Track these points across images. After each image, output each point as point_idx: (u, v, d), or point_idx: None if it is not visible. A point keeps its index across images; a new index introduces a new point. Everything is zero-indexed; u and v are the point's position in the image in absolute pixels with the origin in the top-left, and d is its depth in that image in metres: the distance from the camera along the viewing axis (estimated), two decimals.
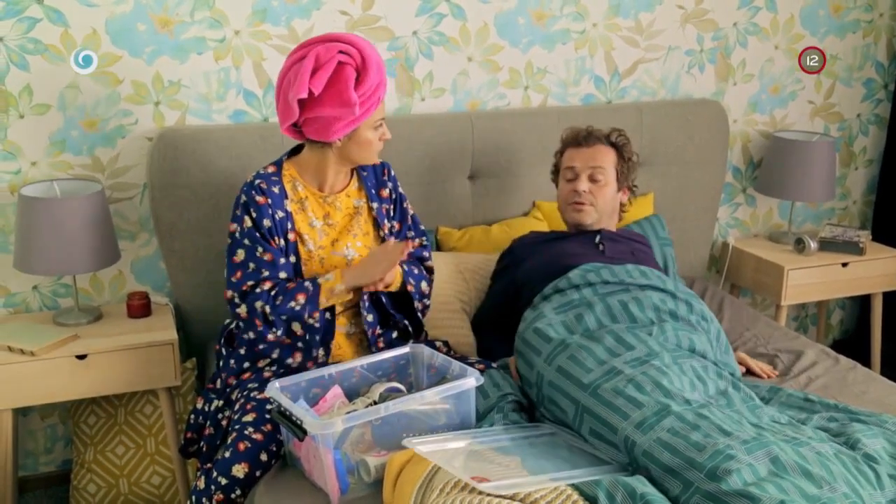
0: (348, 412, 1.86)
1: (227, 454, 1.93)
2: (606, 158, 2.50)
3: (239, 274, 2.12)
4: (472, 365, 2.22)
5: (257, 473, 1.93)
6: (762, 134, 3.41)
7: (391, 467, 1.76)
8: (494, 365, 2.27)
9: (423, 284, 2.29)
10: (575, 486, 1.69)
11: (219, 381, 2.24)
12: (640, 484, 1.67)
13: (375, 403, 1.91)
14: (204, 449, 2.15)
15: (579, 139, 2.54)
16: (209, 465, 2.05)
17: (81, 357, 2.38)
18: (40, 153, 2.55)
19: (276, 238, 2.14)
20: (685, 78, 3.22)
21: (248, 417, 2.00)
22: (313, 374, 2.02)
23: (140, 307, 2.58)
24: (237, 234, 2.14)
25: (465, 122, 2.83)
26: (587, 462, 1.84)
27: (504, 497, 1.63)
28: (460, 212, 2.89)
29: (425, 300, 2.30)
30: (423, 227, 2.43)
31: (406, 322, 2.27)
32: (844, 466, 1.75)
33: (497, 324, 2.49)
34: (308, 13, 2.69)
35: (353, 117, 2.06)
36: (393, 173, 2.37)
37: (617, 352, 2.01)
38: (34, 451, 2.83)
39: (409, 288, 2.23)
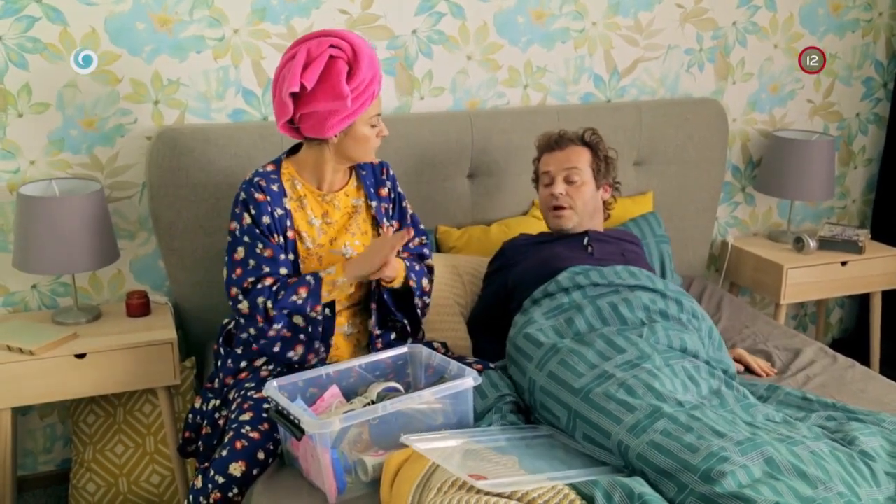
0: (346, 412, 1.86)
1: (225, 453, 1.94)
2: (581, 158, 2.51)
3: (240, 271, 2.12)
4: (470, 365, 2.22)
5: (255, 472, 1.93)
6: (761, 133, 3.41)
7: (389, 467, 1.76)
8: (493, 366, 2.27)
9: (425, 282, 2.30)
10: (572, 486, 1.69)
11: (217, 381, 2.24)
12: (638, 484, 1.67)
13: (373, 403, 1.91)
14: (202, 448, 2.15)
15: (552, 143, 2.55)
16: (207, 464, 2.05)
17: (80, 356, 2.39)
18: (39, 152, 2.56)
19: (275, 235, 2.14)
20: (684, 77, 3.22)
21: (246, 416, 2.00)
22: (311, 373, 2.02)
23: (139, 306, 2.58)
24: (237, 232, 2.15)
25: (464, 121, 2.83)
26: (584, 463, 1.84)
27: (502, 496, 1.63)
28: (459, 211, 2.89)
29: (425, 298, 2.31)
30: (422, 227, 2.43)
31: (405, 321, 2.28)
32: (840, 464, 1.75)
33: (490, 327, 2.50)
34: (307, 12, 2.69)
35: (347, 111, 2.06)
36: (392, 172, 2.37)
37: (608, 355, 2.01)
38: (33, 451, 2.83)
39: (412, 283, 2.23)
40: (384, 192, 2.33)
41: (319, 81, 2.04)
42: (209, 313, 2.66)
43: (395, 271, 2.16)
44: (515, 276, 2.43)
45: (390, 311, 2.26)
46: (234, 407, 2.08)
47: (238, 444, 1.94)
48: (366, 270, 2.12)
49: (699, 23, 3.17)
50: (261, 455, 1.94)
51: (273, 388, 1.91)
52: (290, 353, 2.14)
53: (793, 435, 1.83)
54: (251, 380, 2.14)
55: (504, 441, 1.88)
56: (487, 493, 1.62)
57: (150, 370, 2.45)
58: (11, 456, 2.46)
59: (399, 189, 2.38)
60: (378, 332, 2.25)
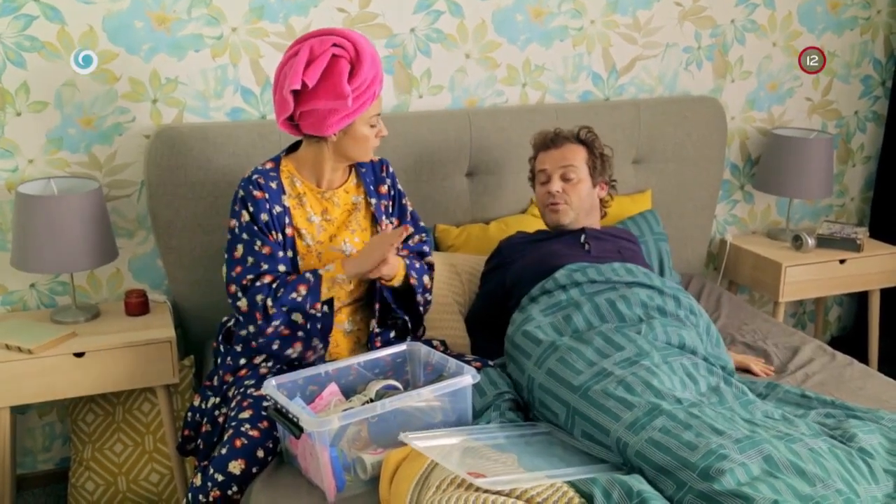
0: (345, 410, 1.86)
1: (224, 451, 1.94)
2: (577, 156, 2.52)
3: (239, 269, 2.12)
4: (468, 363, 2.22)
5: (254, 470, 1.93)
6: (760, 131, 3.41)
7: (388, 465, 1.76)
8: (491, 363, 2.27)
9: (426, 279, 2.30)
10: (571, 484, 1.69)
11: (216, 379, 2.24)
12: (637, 482, 1.67)
13: (372, 401, 1.91)
14: (201, 446, 2.15)
15: (548, 142, 2.57)
16: (206, 462, 2.05)
17: (79, 355, 2.39)
18: (37, 151, 2.55)
19: (273, 232, 2.14)
20: (683, 75, 3.22)
21: (245, 414, 2.00)
22: (310, 371, 2.02)
23: (138, 305, 2.58)
24: (236, 230, 2.15)
25: (462, 120, 2.83)
26: (583, 461, 1.84)
27: (500, 494, 1.63)
28: (458, 209, 2.89)
29: (427, 295, 2.31)
30: (422, 224, 2.43)
31: (406, 318, 2.28)
32: (839, 461, 1.75)
33: (488, 325, 2.50)
34: (305, 10, 2.68)
35: (347, 111, 2.06)
36: (391, 170, 2.37)
37: (606, 353, 2.02)
38: (32, 450, 2.83)
39: (412, 281, 2.23)
40: (384, 189, 2.33)
41: (321, 80, 2.04)
42: (208, 311, 2.66)
43: (394, 269, 2.16)
44: (513, 274, 2.43)
45: (391, 309, 2.26)
46: (233, 405, 2.08)
47: (237, 442, 1.94)
48: (364, 267, 2.12)
49: (698, 21, 3.17)
50: (260, 453, 1.95)
51: (272, 386, 1.91)
52: (289, 351, 2.14)
53: (791, 432, 1.84)
54: (251, 377, 2.15)
55: (503, 439, 1.88)
56: (486, 491, 1.62)
57: (149, 369, 2.45)
58: (10, 455, 2.46)
59: (399, 186, 2.38)
60: (377, 330, 2.25)
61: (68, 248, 2.36)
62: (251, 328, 2.12)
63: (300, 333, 2.13)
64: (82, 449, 2.64)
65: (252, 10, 2.64)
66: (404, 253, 2.31)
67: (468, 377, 1.95)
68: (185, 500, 1.97)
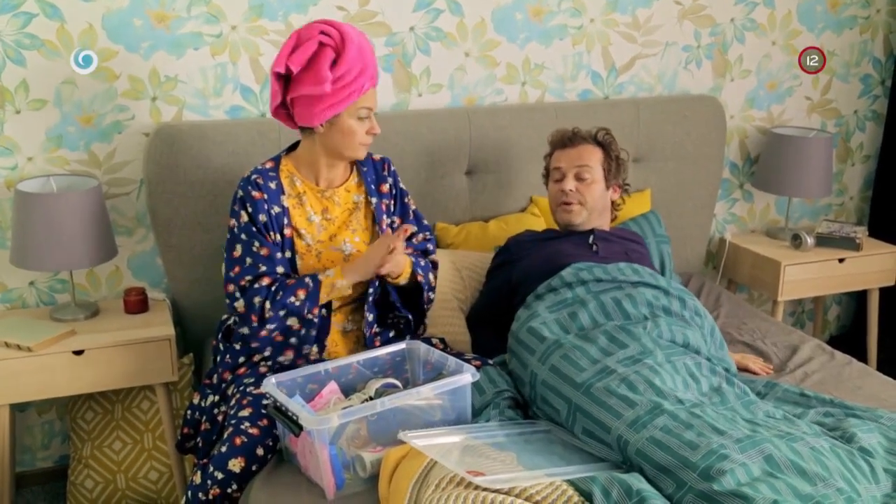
0: (344, 408, 1.86)
1: (224, 449, 1.94)
2: (593, 157, 2.52)
3: (237, 269, 2.13)
4: (468, 361, 2.22)
5: (253, 468, 1.93)
6: (759, 130, 3.41)
7: (387, 463, 1.77)
8: (491, 362, 2.27)
9: (431, 276, 2.31)
10: (570, 482, 1.69)
11: (215, 377, 2.24)
12: (636, 480, 1.67)
13: (371, 399, 1.91)
14: (200, 444, 2.15)
15: (565, 140, 2.57)
16: (205, 460, 2.05)
17: (78, 353, 2.38)
18: (37, 149, 2.55)
19: (271, 233, 2.14)
20: (682, 74, 3.22)
21: (244, 412, 2.00)
22: (310, 369, 2.02)
23: (137, 303, 2.58)
24: (235, 230, 2.15)
25: (462, 118, 2.83)
26: (582, 459, 1.84)
27: (500, 492, 1.63)
28: (457, 208, 2.89)
29: (431, 293, 2.31)
30: (425, 223, 2.43)
31: (410, 316, 2.28)
32: (840, 461, 1.75)
33: (491, 321, 2.50)
34: (305, 8, 2.68)
35: (331, 99, 2.06)
36: (393, 168, 2.37)
37: (610, 351, 2.02)
38: (31, 447, 2.83)
39: (419, 278, 2.24)
40: (385, 188, 2.33)
41: (306, 66, 2.05)
42: (207, 310, 2.66)
43: (400, 267, 2.16)
44: (520, 272, 2.43)
45: (395, 308, 2.26)
46: (232, 403, 2.08)
47: (237, 440, 1.94)
48: (364, 273, 2.12)
49: (697, 19, 3.17)
50: (259, 451, 1.94)
51: (271, 385, 1.91)
52: (281, 358, 2.15)
53: (793, 431, 1.84)
54: (250, 375, 2.15)
55: (502, 437, 1.88)
56: (485, 490, 1.62)
57: (148, 367, 2.45)
58: (10, 452, 2.46)
59: (401, 185, 2.38)
60: (377, 329, 2.25)
61: (68, 245, 2.36)
62: (245, 329, 2.12)
63: (292, 340, 2.14)
64: (81, 447, 2.64)
65: (251, 9, 2.63)
66: (408, 251, 2.31)
67: (467, 375, 1.95)
68: (184, 498, 1.97)
